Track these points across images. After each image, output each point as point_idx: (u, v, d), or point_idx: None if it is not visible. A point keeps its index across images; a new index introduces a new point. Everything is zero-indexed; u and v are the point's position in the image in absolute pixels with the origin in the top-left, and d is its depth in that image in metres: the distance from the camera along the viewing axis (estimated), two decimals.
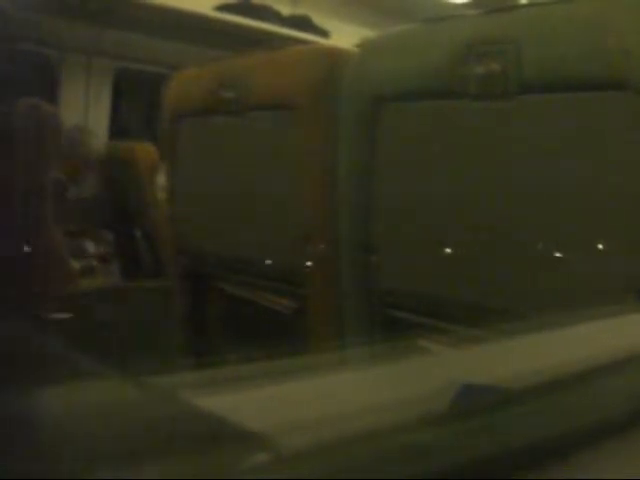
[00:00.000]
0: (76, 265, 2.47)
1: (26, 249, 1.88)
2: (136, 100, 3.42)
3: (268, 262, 1.38)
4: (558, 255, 0.95)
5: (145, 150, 2.86)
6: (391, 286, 1.16)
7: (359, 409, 0.43)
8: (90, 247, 2.59)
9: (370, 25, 3.01)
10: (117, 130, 3.19)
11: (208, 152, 1.55)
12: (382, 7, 3.56)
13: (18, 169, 1.91)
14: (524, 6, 1.20)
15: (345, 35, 2.90)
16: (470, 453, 0.36)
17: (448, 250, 1.08)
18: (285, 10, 3.35)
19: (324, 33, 3.45)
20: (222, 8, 3.01)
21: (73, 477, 0.31)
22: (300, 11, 3.44)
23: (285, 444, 0.35)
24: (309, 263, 1.28)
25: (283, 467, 0.33)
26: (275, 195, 1.36)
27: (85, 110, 3.01)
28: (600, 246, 0.92)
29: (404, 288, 1.14)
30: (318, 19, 3.47)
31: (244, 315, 1.50)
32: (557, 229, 0.96)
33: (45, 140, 2.04)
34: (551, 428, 0.40)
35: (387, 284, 1.16)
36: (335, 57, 1.28)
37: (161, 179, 2.20)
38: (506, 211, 1.01)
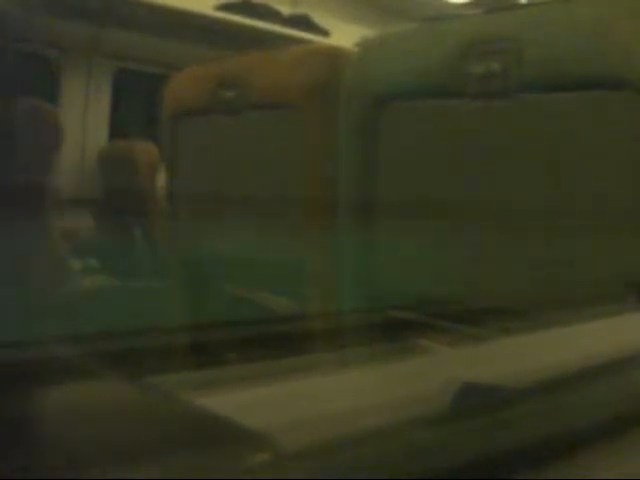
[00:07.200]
0: (76, 265, 2.47)
1: (26, 249, 1.88)
2: (136, 100, 3.42)
3: (268, 261, 1.38)
4: (558, 255, 0.95)
5: (145, 149, 2.86)
6: (391, 286, 1.16)
7: (359, 409, 0.43)
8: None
9: (370, 24, 3.01)
10: (117, 129, 3.19)
11: (208, 151, 1.55)
12: (382, 7, 3.56)
13: (18, 169, 1.91)
14: (524, 6, 1.20)
15: (346, 34, 2.90)
16: (470, 453, 0.36)
17: (449, 250, 1.08)
18: (285, 9, 3.35)
19: (324, 32, 3.45)
20: (222, 8, 3.01)
21: (73, 477, 0.31)
22: (300, 10, 3.44)
23: (285, 444, 0.35)
24: (309, 263, 1.28)
25: (283, 467, 0.33)
26: (275, 195, 1.36)
27: (85, 110, 3.01)
28: (600, 246, 0.92)
29: (404, 288, 1.14)
30: (318, 18, 3.47)
31: (244, 315, 1.50)
32: (557, 229, 0.96)
33: (45, 140, 2.04)
34: (551, 428, 0.40)
35: (387, 284, 1.16)
36: (335, 57, 1.28)
37: (161, 178, 2.20)
38: (506, 210, 1.01)
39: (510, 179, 1.00)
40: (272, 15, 3.17)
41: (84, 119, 3.01)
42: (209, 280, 1.57)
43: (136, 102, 3.43)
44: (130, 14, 2.71)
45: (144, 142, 2.90)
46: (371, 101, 1.15)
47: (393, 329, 1.15)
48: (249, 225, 1.43)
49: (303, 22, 3.36)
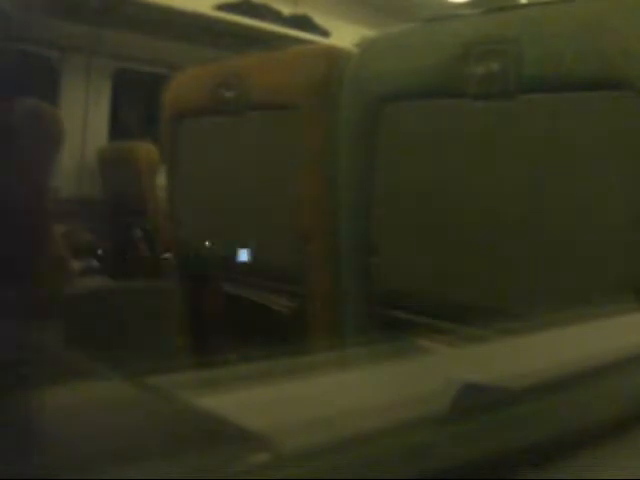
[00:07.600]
0: (76, 265, 2.47)
1: (26, 250, 1.88)
2: (136, 100, 3.42)
3: (268, 262, 1.39)
4: (558, 255, 0.95)
5: (145, 150, 2.86)
6: (391, 286, 1.16)
7: (359, 409, 0.43)
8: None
9: (370, 25, 3.01)
10: (117, 130, 3.19)
11: (208, 152, 1.55)
12: (382, 6, 3.56)
13: (18, 170, 1.91)
14: (524, 6, 1.20)
15: (346, 35, 2.90)
16: (470, 453, 0.36)
17: (449, 250, 1.08)
18: (286, 10, 3.35)
19: (325, 33, 3.46)
20: (222, 7, 3.01)
21: (73, 477, 0.31)
22: (301, 11, 3.44)
23: (285, 444, 0.35)
24: (309, 263, 1.28)
25: (283, 467, 0.33)
26: (275, 195, 1.36)
27: (85, 110, 3.01)
28: (600, 246, 0.92)
29: (404, 288, 1.14)
30: (319, 19, 3.48)
31: (244, 315, 1.50)
32: (557, 229, 0.96)
33: (45, 141, 2.04)
34: (551, 428, 0.40)
35: (387, 284, 1.16)
36: (335, 57, 1.28)
37: (161, 179, 2.20)
38: (506, 211, 1.01)
39: (510, 179, 1.00)
40: (272, 15, 3.18)
41: (84, 119, 3.01)
42: (209, 280, 1.57)
43: (136, 102, 3.43)
44: (130, 14, 2.71)
45: (144, 142, 2.90)
46: (371, 101, 1.15)
47: (393, 329, 1.15)
48: (250, 225, 1.43)
49: (303, 22, 3.36)
